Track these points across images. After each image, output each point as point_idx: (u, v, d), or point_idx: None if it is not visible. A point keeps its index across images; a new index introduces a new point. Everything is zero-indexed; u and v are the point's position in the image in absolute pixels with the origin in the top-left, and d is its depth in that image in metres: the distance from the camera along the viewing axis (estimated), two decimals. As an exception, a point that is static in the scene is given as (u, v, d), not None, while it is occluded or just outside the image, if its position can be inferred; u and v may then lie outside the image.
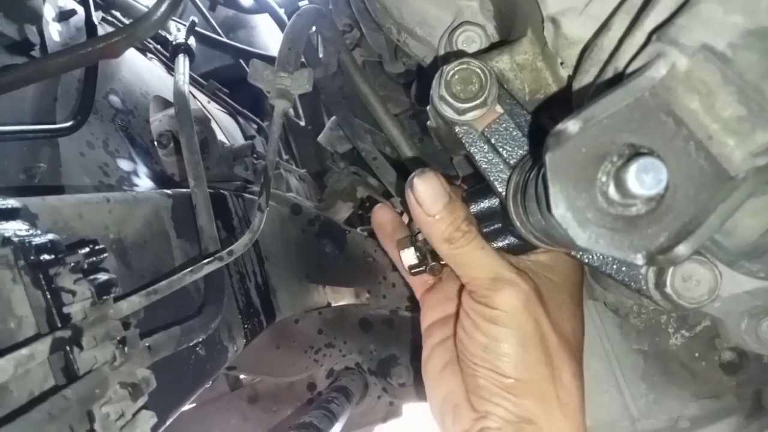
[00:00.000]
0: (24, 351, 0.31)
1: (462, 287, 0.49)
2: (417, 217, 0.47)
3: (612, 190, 0.30)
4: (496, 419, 0.45)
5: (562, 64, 0.44)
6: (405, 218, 0.59)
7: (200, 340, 0.52)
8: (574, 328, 0.49)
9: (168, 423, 0.46)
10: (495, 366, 0.45)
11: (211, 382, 0.59)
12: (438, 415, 0.51)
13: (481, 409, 0.46)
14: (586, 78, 0.39)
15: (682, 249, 0.30)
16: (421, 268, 0.52)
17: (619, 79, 0.34)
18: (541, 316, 0.45)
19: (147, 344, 0.43)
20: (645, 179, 0.28)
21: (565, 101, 0.44)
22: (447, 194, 0.46)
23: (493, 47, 0.49)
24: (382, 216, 0.59)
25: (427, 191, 0.45)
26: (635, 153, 0.30)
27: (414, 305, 0.97)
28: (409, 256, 0.52)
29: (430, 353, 0.54)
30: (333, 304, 1.02)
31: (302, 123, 1.52)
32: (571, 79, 0.43)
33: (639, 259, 0.31)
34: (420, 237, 0.52)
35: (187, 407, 0.57)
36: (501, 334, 0.44)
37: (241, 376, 1.11)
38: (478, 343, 0.46)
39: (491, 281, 0.45)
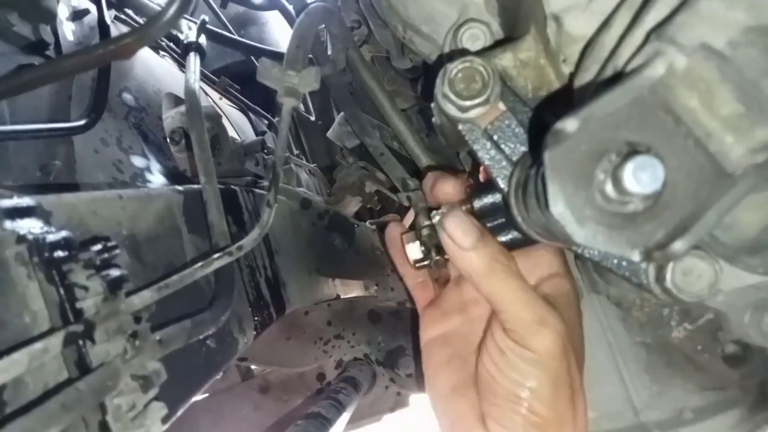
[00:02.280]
0: (38, 345, 0.32)
1: (490, 319, 0.49)
2: (452, 253, 0.47)
3: (610, 188, 0.30)
4: None
5: (564, 61, 0.44)
6: (409, 218, 0.60)
7: (211, 332, 0.53)
8: (582, 357, 0.50)
9: (179, 413, 0.48)
10: (525, 403, 0.45)
11: (222, 373, 0.61)
12: None
13: None
14: (587, 75, 0.39)
15: (678, 245, 0.31)
16: (425, 262, 0.52)
17: (619, 77, 0.35)
18: (571, 357, 0.46)
19: (158, 337, 0.44)
20: (642, 177, 0.29)
21: (567, 98, 0.45)
22: (478, 229, 0.46)
23: (498, 44, 0.50)
24: (396, 233, 0.59)
25: (458, 226, 0.46)
26: (633, 151, 0.30)
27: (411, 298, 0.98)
28: (414, 250, 0.53)
29: (435, 374, 0.54)
30: (342, 297, 1.03)
31: (312, 118, 1.53)
32: (573, 76, 0.43)
33: (636, 255, 0.31)
34: (425, 231, 0.52)
35: (199, 397, 0.58)
36: (536, 376, 0.44)
37: (253, 367, 1.13)
38: (510, 380, 0.46)
39: (534, 324, 0.45)
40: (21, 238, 0.36)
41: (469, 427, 0.48)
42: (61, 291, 0.36)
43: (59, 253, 0.37)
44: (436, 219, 0.51)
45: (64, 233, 0.38)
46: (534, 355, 0.44)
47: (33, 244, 0.36)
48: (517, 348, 0.45)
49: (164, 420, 0.42)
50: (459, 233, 0.46)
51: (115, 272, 0.40)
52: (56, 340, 0.34)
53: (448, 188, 0.52)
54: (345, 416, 0.83)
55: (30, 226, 0.37)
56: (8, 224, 0.36)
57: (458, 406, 0.50)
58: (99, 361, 0.37)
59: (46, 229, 0.38)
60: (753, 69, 0.30)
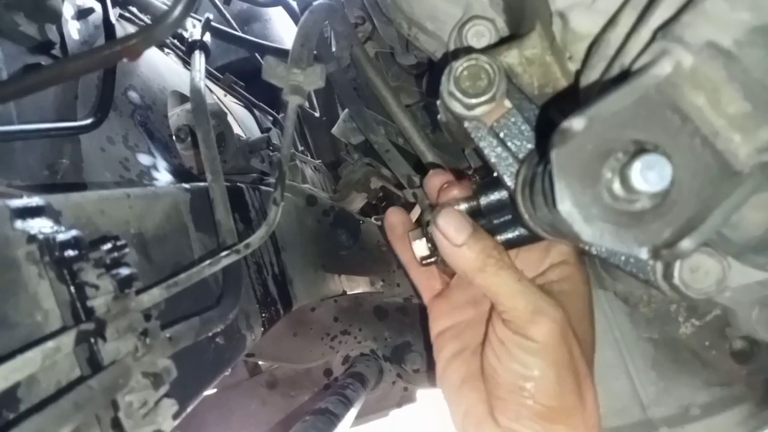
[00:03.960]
0: (50, 343, 0.33)
1: (491, 312, 0.49)
2: (445, 251, 0.47)
3: (617, 186, 0.30)
4: None
5: (570, 58, 0.44)
6: (414, 214, 0.60)
7: (219, 329, 0.54)
8: (591, 346, 0.50)
9: (189, 409, 0.48)
10: (529, 394, 0.45)
11: (230, 370, 0.61)
12: (460, 429, 0.52)
13: (506, 426, 0.47)
14: (593, 73, 0.39)
15: (686, 243, 0.31)
16: (432, 259, 0.53)
17: (625, 75, 0.35)
18: (574, 346, 0.46)
19: (168, 335, 0.44)
20: (649, 176, 0.29)
21: (573, 95, 0.45)
22: (470, 225, 0.46)
23: (503, 41, 0.50)
24: (394, 218, 0.59)
25: (450, 223, 0.46)
26: (640, 149, 0.30)
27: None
28: (420, 247, 0.53)
29: (445, 367, 0.54)
30: (348, 293, 1.03)
31: (317, 114, 1.53)
32: (579, 73, 0.43)
33: (643, 253, 0.31)
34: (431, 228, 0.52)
35: (207, 393, 0.59)
36: (537, 365, 0.45)
37: (260, 363, 1.14)
38: (512, 372, 0.46)
39: (531, 314, 0.45)
40: (32, 238, 0.36)
41: (479, 419, 0.49)
42: (72, 290, 0.37)
43: (69, 253, 0.37)
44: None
45: (73, 232, 0.38)
46: (533, 345, 0.45)
47: (43, 243, 0.36)
48: (515, 338, 0.46)
49: (175, 416, 0.43)
50: (451, 230, 0.46)
51: (124, 271, 0.41)
52: (68, 339, 0.34)
53: (455, 192, 0.52)
54: (352, 411, 0.83)
55: (40, 226, 0.37)
56: (19, 224, 0.36)
57: (469, 398, 0.50)
58: (110, 358, 0.37)
59: (56, 228, 0.38)
60: (759, 68, 0.30)
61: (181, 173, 0.80)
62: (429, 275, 0.59)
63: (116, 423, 0.38)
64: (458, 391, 0.52)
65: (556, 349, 0.45)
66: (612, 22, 0.38)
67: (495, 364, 0.47)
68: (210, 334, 0.52)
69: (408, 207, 1.10)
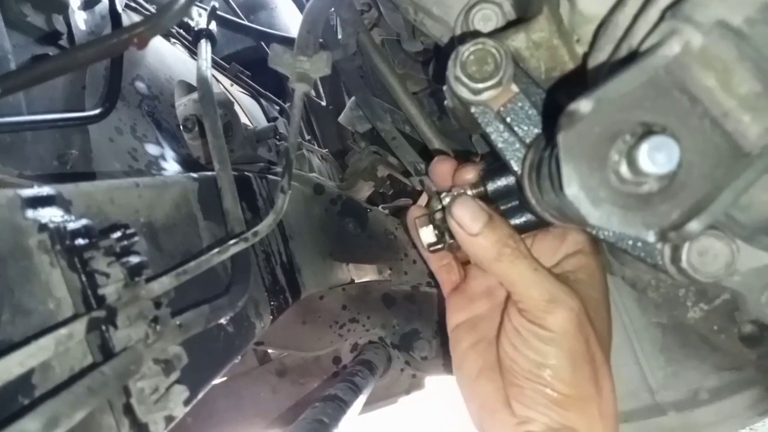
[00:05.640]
0: (63, 330, 0.33)
1: (507, 300, 0.50)
2: (461, 240, 0.47)
3: (624, 169, 0.30)
4: (540, 425, 0.46)
5: (578, 41, 0.44)
6: (423, 200, 0.60)
7: (229, 317, 0.54)
8: (608, 335, 0.50)
9: (200, 396, 0.49)
10: (545, 382, 0.45)
11: (240, 357, 0.62)
12: (476, 420, 0.52)
13: (522, 414, 0.47)
14: (601, 55, 0.39)
15: (694, 225, 0.31)
16: (439, 246, 0.53)
17: (633, 57, 0.34)
18: (590, 335, 0.46)
19: (178, 322, 0.45)
20: (657, 158, 0.29)
21: (581, 79, 0.44)
22: (486, 213, 0.46)
23: (510, 25, 0.49)
24: (416, 214, 0.59)
25: (466, 212, 0.46)
26: (648, 131, 0.30)
27: (435, 281, 0.98)
28: (427, 234, 0.53)
29: (462, 359, 0.54)
30: (356, 281, 1.04)
31: (323, 103, 1.52)
32: (587, 56, 0.43)
33: (651, 236, 0.31)
34: (438, 216, 0.52)
35: (218, 381, 0.59)
36: (554, 354, 0.45)
37: (270, 351, 1.15)
38: (529, 360, 0.46)
39: (546, 303, 0.45)
40: (43, 227, 0.36)
41: (495, 409, 0.49)
42: (83, 278, 0.37)
43: (80, 241, 0.37)
44: (446, 201, 0.51)
45: (84, 221, 0.39)
46: (549, 334, 0.45)
47: (54, 232, 0.37)
48: (532, 327, 0.46)
49: (186, 402, 0.44)
50: (467, 219, 0.46)
51: (134, 259, 0.41)
52: (80, 326, 0.35)
53: (468, 175, 0.51)
54: (361, 398, 0.84)
55: (51, 215, 0.38)
56: (30, 213, 0.36)
57: (485, 389, 0.50)
58: (122, 345, 0.38)
59: (66, 217, 0.38)
60: (771, 46, 0.30)
61: (189, 163, 0.81)
62: (448, 269, 0.59)
63: (128, 408, 0.39)
64: (474, 383, 0.52)
65: (572, 338, 0.45)
66: (620, 2, 0.37)
67: (511, 353, 0.48)
68: (220, 321, 0.53)
69: (415, 195, 1.09)
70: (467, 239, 0.46)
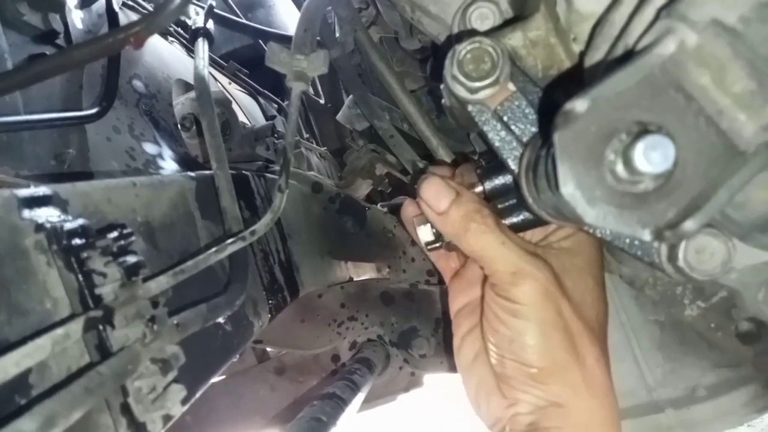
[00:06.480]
0: (60, 330, 0.33)
1: (485, 278, 0.50)
2: (433, 220, 0.49)
3: (620, 168, 0.30)
4: (526, 405, 0.46)
5: (574, 39, 0.44)
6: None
7: (227, 316, 0.54)
8: (598, 312, 0.50)
9: (197, 395, 0.49)
10: (520, 357, 0.46)
11: (238, 356, 0.62)
12: (474, 403, 0.52)
13: (511, 396, 0.47)
14: (597, 54, 0.39)
15: (689, 224, 0.31)
16: (437, 244, 0.53)
17: (629, 55, 0.34)
18: (563, 304, 0.46)
19: (175, 322, 0.45)
20: (653, 157, 0.29)
21: (578, 77, 0.44)
22: (453, 191, 0.47)
23: (507, 24, 0.49)
24: (411, 211, 0.59)
25: (431, 191, 0.47)
26: (644, 130, 0.30)
27: (434, 279, 0.98)
28: (425, 233, 0.53)
29: (460, 344, 0.54)
30: (355, 279, 1.04)
31: (321, 101, 1.52)
32: (583, 54, 0.43)
33: (647, 235, 0.31)
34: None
35: (216, 379, 0.59)
36: (523, 327, 0.45)
37: (268, 349, 1.15)
38: (502, 335, 0.47)
39: (511, 275, 0.45)
40: (39, 227, 0.36)
41: (489, 392, 0.49)
42: (80, 278, 0.37)
43: (77, 241, 0.37)
44: None
45: (81, 221, 0.38)
46: (515, 306, 0.45)
47: (51, 232, 0.37)
48: (500, 301, 0.46)
49: (184, 401, 0.44)
50: (433, 197, 0.47)
51: (131, 258, 0.41)
52: (77, 326, 0.35)
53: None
54: (360, 396, 0.84)
55: (48, 215, 0.38)
56: (26, 213, 0.36)
57: (480, 373, 0.51)
58: (119, 345, 0.38)
59: (63, 217, 0.38)
60: (766, 45, 0.30)
61: (186, 162, 0.81)
62: (446, 255, 0.59)
63: (126, 408, 0.39)
64: (471, 367, 0.52)
65: (539, 308, 0.45)
66: (616, 1, 0.37)
67: (487, 329, 0.48)
68: (217, 320, 0.53)
69: (413, 193, 1.09)
70: (438, 219, 0.47)
